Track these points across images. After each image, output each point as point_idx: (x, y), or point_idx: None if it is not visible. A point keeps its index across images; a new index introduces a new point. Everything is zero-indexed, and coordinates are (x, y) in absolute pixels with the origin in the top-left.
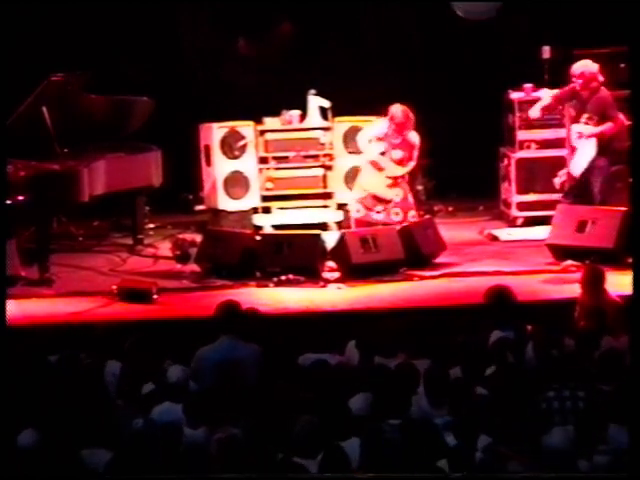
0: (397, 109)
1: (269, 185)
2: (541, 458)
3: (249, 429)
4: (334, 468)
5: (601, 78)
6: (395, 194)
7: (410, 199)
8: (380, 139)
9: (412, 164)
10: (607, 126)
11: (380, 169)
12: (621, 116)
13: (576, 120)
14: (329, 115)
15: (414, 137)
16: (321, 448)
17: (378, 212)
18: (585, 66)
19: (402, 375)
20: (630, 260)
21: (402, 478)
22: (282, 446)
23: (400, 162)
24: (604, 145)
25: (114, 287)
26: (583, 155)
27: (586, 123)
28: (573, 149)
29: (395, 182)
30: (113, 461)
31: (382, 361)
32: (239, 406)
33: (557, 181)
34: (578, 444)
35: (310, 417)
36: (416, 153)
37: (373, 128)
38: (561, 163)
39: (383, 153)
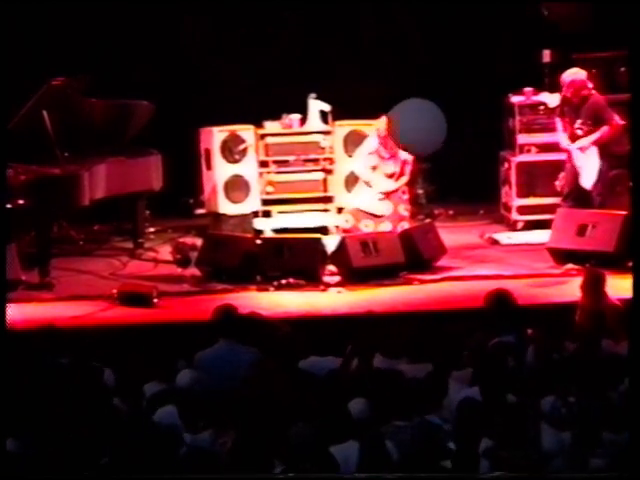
0: (381, 122)
1: (269, 189)
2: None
3: (245, 434)
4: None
5: (590, 85)
6: (386, 209)
7: (401, 211)
8: (372, 154)
9: (404, 179)
10: (604, 130)
11: (370, 185)
12: (616, 117)
13: (570, 126)
14: (329, 119)
15: (404, 153)
16: (316, 455)
17: (366, 226)
18: (574, 74)
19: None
20: (630, 264)
21: (402, 478)
22: (278, 452)
23: (391, 177)
24: (602, 148)
25: (114, 291)
26: (590, 167)
27: (580, 129)
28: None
29: (386, 197)
30: (113, 460)
31: (382, 365)
32: (238, 410)
33: (559, 184)
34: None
35: (304, 425)
36: (409, 167)
37: (365, 144)
38: (561, 167)
39: (375, 168)
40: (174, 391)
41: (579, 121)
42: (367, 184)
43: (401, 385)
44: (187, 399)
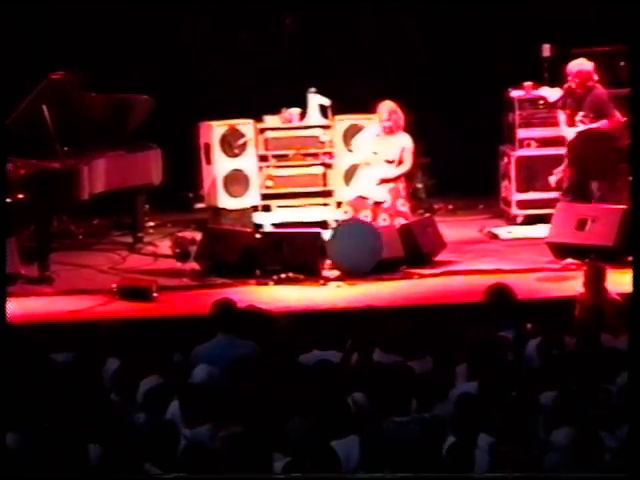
0: (382, 106)
1: (269, 183)
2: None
3: (244, 427)
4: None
5: (596, 77)
6: (385, 197)
7: (400, 206)
8: (372, 139)
9: (404, 168)
10: (602, 123)
11: (370, 164)
12: (617, 113)
13: (572, 118)
14: (329, 113)
15: (404, 139)
16: (313, 449)
17: (365, 216)
18: (581, 65)
19: (397, 374)
20: (630, 258)
21: (402, 478)
22: (277, 446)
23: (391, 163)
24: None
25: (114, 285)
26: None
27: (582, 121)
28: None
29: (385, 183)
30: (112, 456)
31: (381, 359)
32: (238, 404)
33: (553, 179)
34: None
35: (300, 419)
36: (408, 156)
37: (366, 130)
38: (561, 161)
39: (375, 154)
40: (173, 385)
41: (581, 113)
42: (367, 164)
43: (402, 380)
44: (193, 394)
